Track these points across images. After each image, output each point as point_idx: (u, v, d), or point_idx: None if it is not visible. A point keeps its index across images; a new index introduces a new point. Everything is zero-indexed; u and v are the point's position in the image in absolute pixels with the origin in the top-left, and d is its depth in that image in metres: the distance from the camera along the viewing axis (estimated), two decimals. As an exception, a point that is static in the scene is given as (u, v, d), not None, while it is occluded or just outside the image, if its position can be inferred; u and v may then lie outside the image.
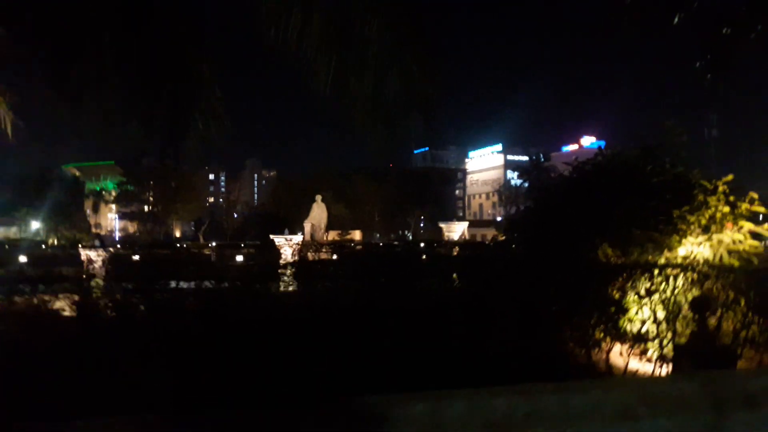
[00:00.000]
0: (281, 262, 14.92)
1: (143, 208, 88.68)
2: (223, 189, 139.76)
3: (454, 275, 9.64)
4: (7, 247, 37.03)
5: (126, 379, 6.49)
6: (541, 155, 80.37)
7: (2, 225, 53.12)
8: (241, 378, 6.23)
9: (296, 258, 15.62)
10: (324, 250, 13.60)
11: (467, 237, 25.45)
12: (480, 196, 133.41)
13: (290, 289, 9.59)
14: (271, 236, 20.75)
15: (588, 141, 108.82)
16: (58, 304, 10.27)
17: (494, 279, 8.39)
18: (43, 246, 43.10)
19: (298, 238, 18.14)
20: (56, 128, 6.88)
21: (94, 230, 77.26)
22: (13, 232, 50.83)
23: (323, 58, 4.91)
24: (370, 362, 6.29)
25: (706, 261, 8.48)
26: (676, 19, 5.85)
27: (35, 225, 57.30)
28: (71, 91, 5.79)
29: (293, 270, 9.94)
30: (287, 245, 17.37)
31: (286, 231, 21.55)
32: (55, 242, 56.23)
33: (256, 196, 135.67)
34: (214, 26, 5.93)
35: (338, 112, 5.22)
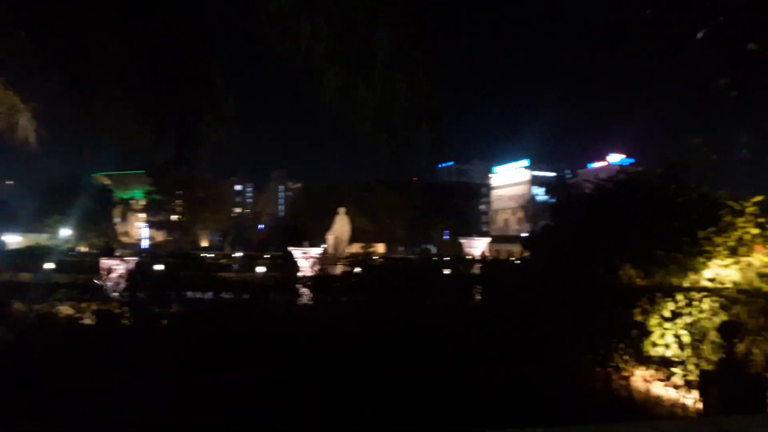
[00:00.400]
0: (298, 275, 14.87)
1: (170, 218, 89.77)
2: (250, 200, 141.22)
3: (476, 296, 9.49)
4: (36, 253, 37.72)
5: (132, 387, 6.46)
6: (568, 171, 79.58)
7: (33, 232, 54.23)
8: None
9: (313, 271, 15.54)
10: (340, 263, 13.51)
11: (488, 253, 25.12)
12: (505, 212, 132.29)
13: (303, 301, 9.53)
14: (289, 249, 20.76)
15: (616, 158, 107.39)
16: (72, 312, 10.35)
17: (508, 300, 8.21)
18: (72, 253, 43.81)
19: (315, 251, 18.10)
20: (81, 137, 6.96)
21: (122, 239, 78.52)
22: (43, 239, 51.85)
23: (330, 69, 4.87)
24: (362, 380, 6.17)
25: (734, 284, 8.15)
26: (700, 35, 5.65)
27: (65, 232, 58.37)
28: (86, 98, 5.84)
29: (308, 283, 9.88)
30: (303, 258, 17.34)
31: (305, 243, 21.54)
32: (84, 249, 57.21)
33: (281, 207, 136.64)
34: (225, 37, 5.92)
35: (346, 123, 5.18)
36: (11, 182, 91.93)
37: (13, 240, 49.67)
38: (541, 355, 7.51)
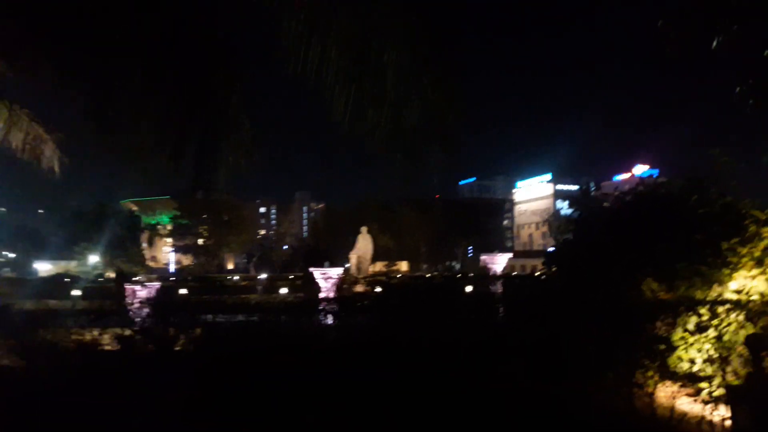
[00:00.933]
0: (320, 295, 14.91)
1: (196, 241, 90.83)
2: (274, 222, 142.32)
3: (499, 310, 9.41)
4: (66, 280, 38.44)
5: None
6: (592, 184, 78.74)
7: (62, 259, 55.31)
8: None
9: (334, 291, 15.56)
10: (361, 283, 13.51)
11: (510, 269, 24.88)
12: (529, 227, 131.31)
13: (325, 322, 9.55)
14: (310, 269, 20.83)
15: (640, 170, 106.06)
16: (102, 338, 10.51)
17: (529, 317, 8.12)
18: (100, 279, 44.53)
19: (336, 271, 18.13)
20: (105, 165, 7.12)
21: (150, 263, 79.56)
22: (72, 266, 52.84)
23: (342, 89, 4.91)
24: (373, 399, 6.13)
25: (760, 296, 7.94)
26: (715, 43, 5.60)
27: (93, 259, 59.39)
28: (108, 126, 5.98)
29: (328, 305, 9.90)
30: (323, 279, 17.36)
31: (326, 264, 21.57)
32: (112, 275, 58.08)
33: (305, 228, 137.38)
34: (242, 62, 6.03)
35: (359, 143, 5.21)
36: (41, 211, 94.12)
37: (44, 268, 50.70)
38: (563, 372, 7.40)
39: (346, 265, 39.78)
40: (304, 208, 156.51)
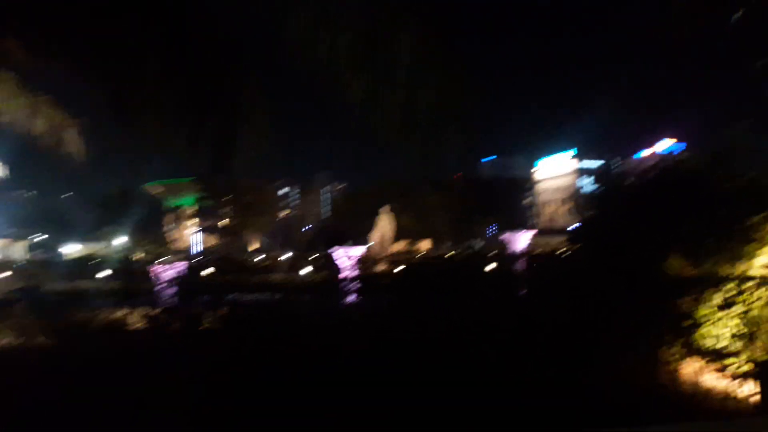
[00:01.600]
0: (342, 275, 15.00)
1: (220, 223, 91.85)
2: (296, 203, 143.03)
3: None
4: (93, 261, 39.27)
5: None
6: (616, 160, 77.54)
7: (90, 241, 56.49)
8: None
9: (356, 271, 15.64)
10: (383, 263, 13.55)
11: (532, 247, 24.69)
12: (552, 204, 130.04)
13: (347, 300, 9.64)
14: (332, 249, 20.90)
15: (664, 146, 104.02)
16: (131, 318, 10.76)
17: (553, 295, 8.09)
18: (126, 261, 45.39)
19: (357, 250, 18.19)
20: (127, 149, 7.19)
21: (175, 245, 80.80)
22: (100, 247, 53.97)
23: (352, 72, 4.86)
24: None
25: (789, 271, 7.81)
26: (735, 17, 5.43)
27: (120, 241, 60.52)
28: (127, 110, 6.03)
29: (350, 284, 9.99)
30: (346, 258, 17.42)
31: (347, 244, 21.61)
32: (139, 257, 59.21)
33: (327, 208, 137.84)
34: (256, 45, 6.03)
35: (373, 125, 5.16)
36: (70, 193, 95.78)
37: (74, 249, 51.81)
38: (590, 350, 7.37)
39: (368, 245, 40.03)
40: (325, 189, 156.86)
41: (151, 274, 16.77)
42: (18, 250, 62.92)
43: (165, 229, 75.59)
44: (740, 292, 7.39)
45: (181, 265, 18.15)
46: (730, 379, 7.34)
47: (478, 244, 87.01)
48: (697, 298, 7.62)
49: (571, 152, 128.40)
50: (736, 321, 7.38)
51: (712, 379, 7.47)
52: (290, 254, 56.38)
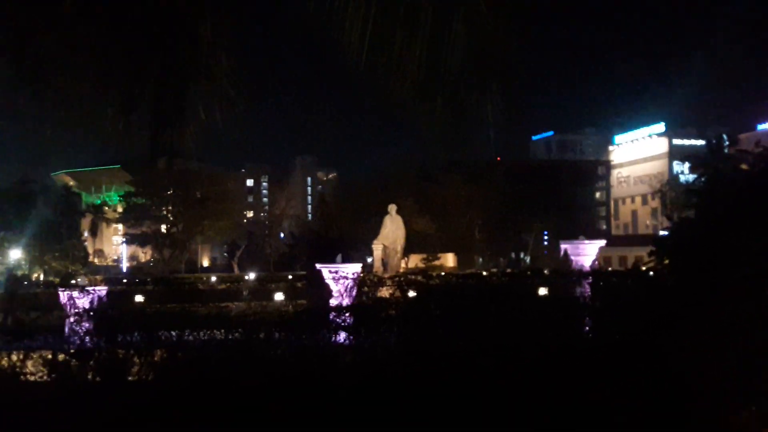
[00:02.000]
0: (330, 303, 15.00)
1: (158, 228, 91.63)
2: (266, 199, 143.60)
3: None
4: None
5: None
6: (724, 137, 77.30)
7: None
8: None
9: (350, 297, 15.64)
10: (388, 285, 13.49)
11: (604, 263, 24.72)
12: (633, 200, 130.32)
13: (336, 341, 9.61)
14: (318, 266, 20.92)
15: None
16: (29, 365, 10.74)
17: (630, 334, 8.08)
18: (25, 283, 45.54)
19: (352, 268, 18.17)
20: (32, 122, 7.13)
21: (95, 260, 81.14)
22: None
23: (357, 11, 4.82)
24: None
25: None
26: None
27: (15, 254, 60.53)
28: (30, 68, 5.98)
29: (341, 316, 9.92)
30: (335, 279, 17.35)
31: (339, 258, 21.51)
32: (41, 277, 59.31)
33: (310, 207, 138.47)
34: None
35: (383, 87, 5.14)
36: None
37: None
38: (682, 411, 7.40)
39: (368, 260, 39.98)
40: (308, 180, 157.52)
41: (60, 302, 16.81)
42: None
43: (80, 237, 75.78)
44: None
45: (100, 289, 18.21)
46: None
47: (526, 258, 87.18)
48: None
49: (659, 127, 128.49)
50: None
51: None
52: (257, 274, 56.56)
